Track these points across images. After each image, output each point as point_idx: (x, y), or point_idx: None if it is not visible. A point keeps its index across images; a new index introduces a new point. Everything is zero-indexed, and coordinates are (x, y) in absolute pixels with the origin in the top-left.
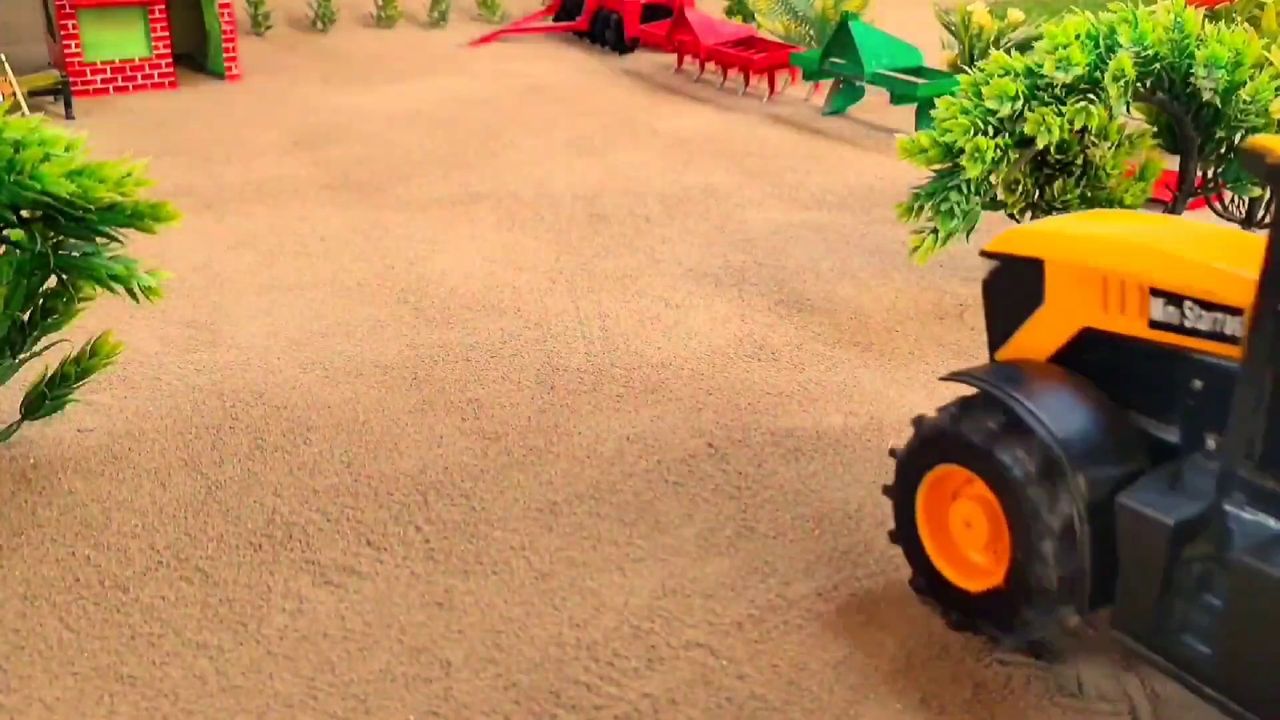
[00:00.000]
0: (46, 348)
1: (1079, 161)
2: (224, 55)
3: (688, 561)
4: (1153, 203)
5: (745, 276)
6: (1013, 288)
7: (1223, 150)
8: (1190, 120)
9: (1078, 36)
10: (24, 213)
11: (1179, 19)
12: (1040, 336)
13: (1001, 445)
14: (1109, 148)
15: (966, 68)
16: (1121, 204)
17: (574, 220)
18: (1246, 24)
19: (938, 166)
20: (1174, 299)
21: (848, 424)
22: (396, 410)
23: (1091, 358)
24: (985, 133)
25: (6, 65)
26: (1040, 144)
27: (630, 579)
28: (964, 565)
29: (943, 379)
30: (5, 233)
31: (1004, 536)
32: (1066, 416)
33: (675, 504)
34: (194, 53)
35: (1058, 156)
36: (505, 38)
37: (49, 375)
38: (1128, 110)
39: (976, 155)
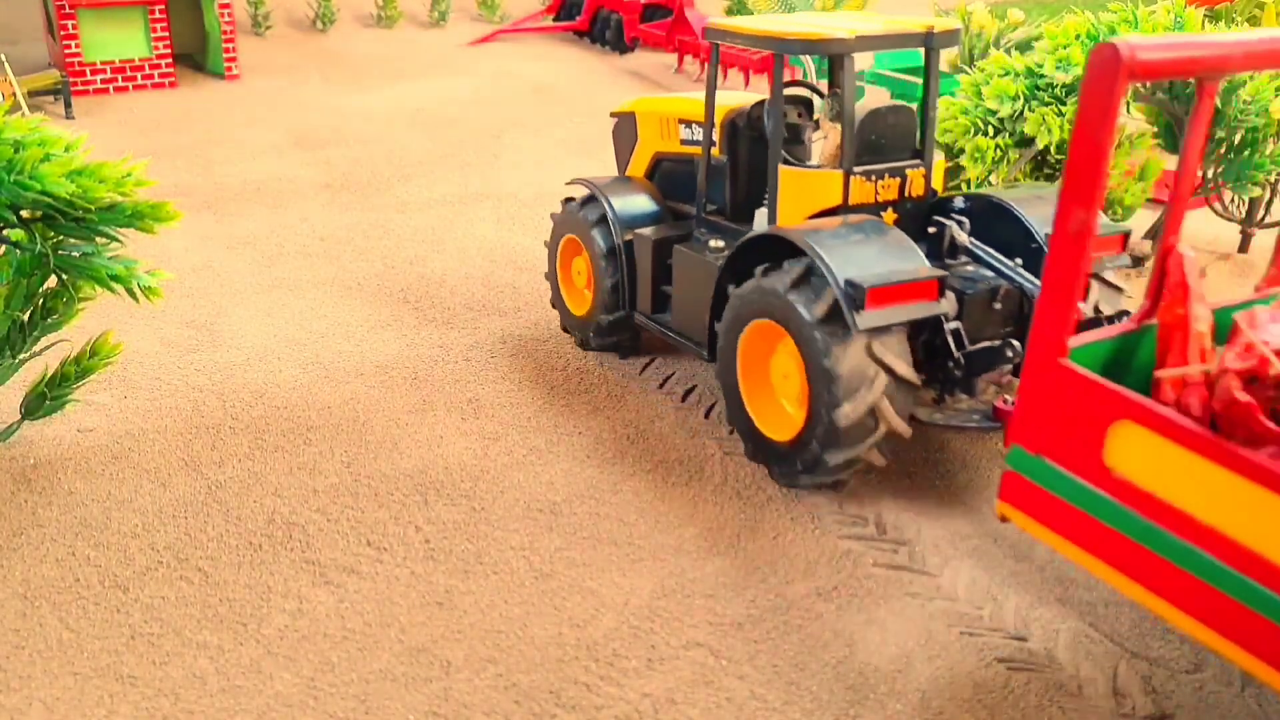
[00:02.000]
0: (47, 348)
1: None
2: (224, 55)
3: (688, 561)
4: (1153, 202)
5: None
6: (625, 134)
7: (1223, 150)
8: (1190, 120)
9: (1078, 36)
10: (24, 213)
11: (1179, 19)
12: (638, 163)
13: (592, 222)
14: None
15: (966, 68)
16: (1121, 204)
17: None
18: (1246, 24)
19: None
20: (688, 124)
21: None
22: (396, 410)
23: (660, 172)
24: (985, 133)
25: (6, 65)
26: (1040, 144)
27: (630, 579)
28: (577, 297)
29: (568, 184)
30: (5, 233)
31: (592, 278)
32: (627, 203)
33: (675, 504)
34: (194, 53)
35: (1058, 156)
36: (505, 38)
37: (49, 375)
38: (1128, 110)
39: (977, 155)
